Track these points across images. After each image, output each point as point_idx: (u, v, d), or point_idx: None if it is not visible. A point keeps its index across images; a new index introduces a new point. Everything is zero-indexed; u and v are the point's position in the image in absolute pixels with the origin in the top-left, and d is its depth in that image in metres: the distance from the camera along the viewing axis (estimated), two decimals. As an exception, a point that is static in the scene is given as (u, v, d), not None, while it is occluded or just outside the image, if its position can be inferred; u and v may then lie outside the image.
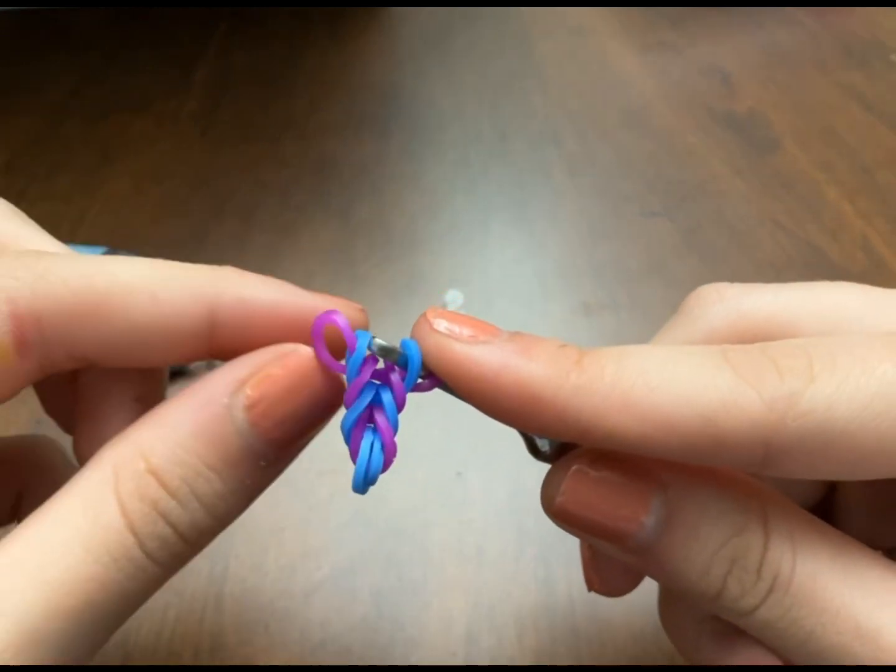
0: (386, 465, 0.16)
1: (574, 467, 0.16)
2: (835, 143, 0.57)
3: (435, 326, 0.15)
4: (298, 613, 0.31)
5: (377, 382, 0.16)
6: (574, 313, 0.44)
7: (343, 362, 0.16)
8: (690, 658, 0.19)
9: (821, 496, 0.21)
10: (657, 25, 0.75)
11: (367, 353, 0.16)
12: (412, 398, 0.16)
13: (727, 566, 0.15)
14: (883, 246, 0.47)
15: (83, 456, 0.18)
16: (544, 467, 0.17)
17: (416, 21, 0.78)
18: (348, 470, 0.39)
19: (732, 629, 0.17)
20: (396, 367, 0.16)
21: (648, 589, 0.21)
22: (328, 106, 0.65)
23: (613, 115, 0.62)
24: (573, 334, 0.43)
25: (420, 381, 0.16)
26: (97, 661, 0.15)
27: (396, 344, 0.16)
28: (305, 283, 0.18)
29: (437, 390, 0.16)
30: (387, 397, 0.16)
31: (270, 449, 0.16)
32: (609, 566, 0.20)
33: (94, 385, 0.19)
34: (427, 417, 0.37)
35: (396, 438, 0.16)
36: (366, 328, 0.18)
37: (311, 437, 0.17)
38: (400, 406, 0.16)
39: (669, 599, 0.20)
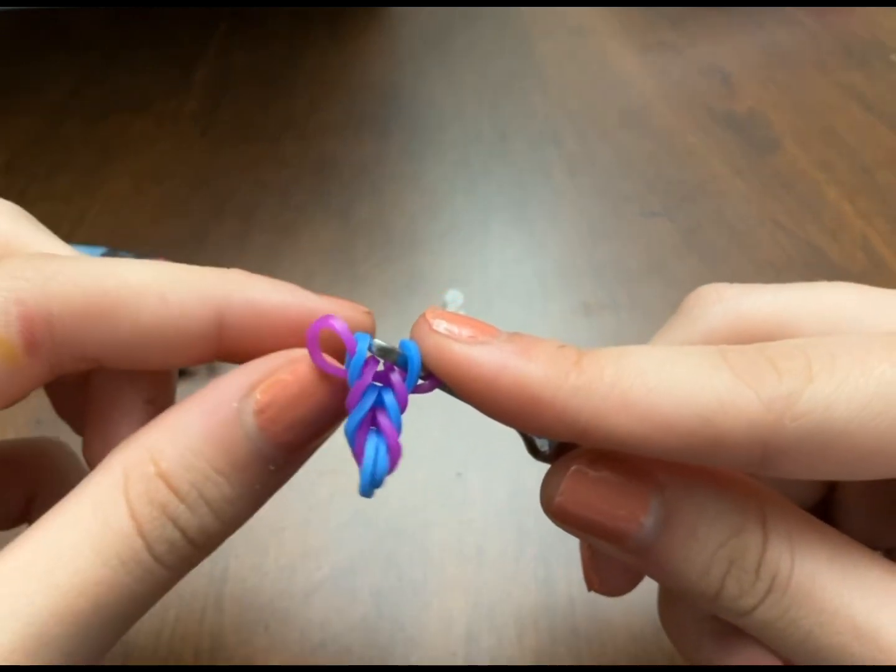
0: (392, 466, 0.16)
1: (573, 467, 0.16)
2: (835, 143, 0.57)
3: (434, 327, 0.15)
4: (298, 613, 0.31)
5: (378, 385, 0.16)
6: (574, 313, 0.44)
7: (344, 366, 0.16)
8: (690, 658, 0.19)
9: (820, 496, 0.21)
10: (657, 25, 0.75)
11: (368, 354, 0.16)
12: (412, 399, 0.16)
13: (726, 566, 0.15)
14: (883, 246, 0.47)
15: (93, 458, 0.18)
16: (544, 467, 0.17)
17: (416, 21, 0.78)
18: (348, 470, 0.39)
19: (732, 629, 0.17)
20: (396, 368, 0.16)
21: (648, 589, 0.21)
22: (328, 106, 0.65)
23: (613, 115, 0.62)
24: (573, 334, 0.43)
25: (420, 382, 0.16)
26: (97, 660, 0.15)
27: (395, 345, 0.16)
28: (305, 283, 0.18)
29: (436, 391, 0.16)
30: (389, 398, 0.16)
31: (280, 453, 0.16)
32: (609, 566, 0.20)
33: (105, 387, 0.19)
34: (427, 418, 0.37)
35: (400, 439, 0.16)
36: (372, 331, 0.18)
37: (321, 442, 0.17)
38: (402, 407, 0.16)
39: (669, 599, 0.20)
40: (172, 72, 0.70)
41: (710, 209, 0.51)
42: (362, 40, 0.75)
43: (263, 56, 0.73)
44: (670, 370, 0.14)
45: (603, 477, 0.16)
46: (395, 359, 0.16)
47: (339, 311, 0.17)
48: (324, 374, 0.16)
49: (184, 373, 0.38)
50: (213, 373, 0.39)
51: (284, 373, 0.16)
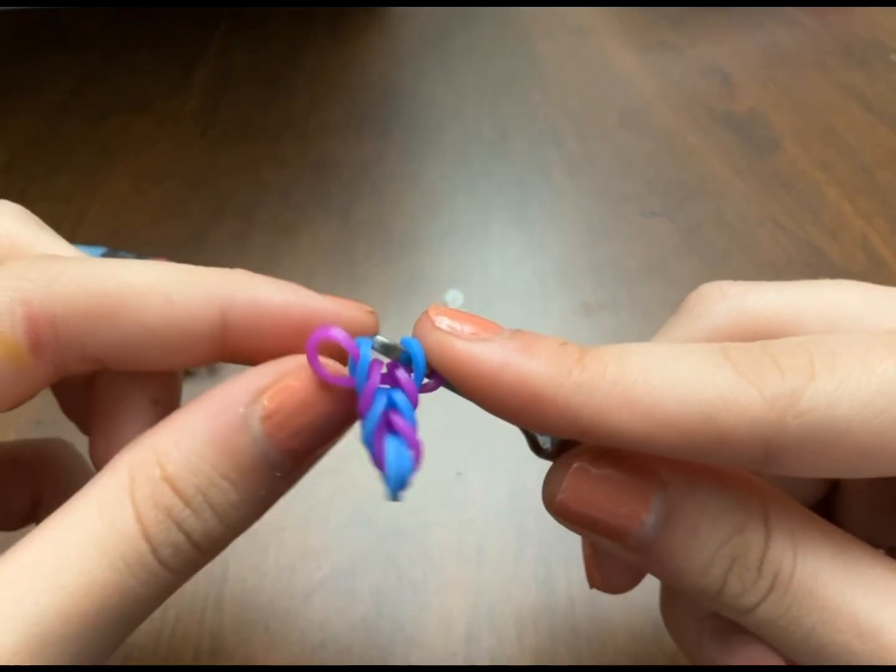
0: (416, 465, 0.15)
1: (575, 464, 0.16)
2: (835, 143, 0.57)
3: (437, 324, 0.15)
4: (298, 613, 0.31)
5: (385, 387, 0.16)
6: (574, 313, 0.44)
7: (347, 371, 0.16)
8: (692, 655, 0.19)
9: (822, 494, 0.21)
10: (657, 25, 0.75)
11: (371, 357, 0.16)
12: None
13: (728, 564, 0.15)
14: (883, 246, 0.48)
15: (99, 458, 0.18)
16: (544, 468, 0.17)
17: (416, 21, 0.78)
18: (348, 470, 0.39)
19: (734, 626, 0.17)
20: (401, 366, 0.16)
21: (648, 589, 0.21)
22: (328, 106, 0.65)
23: (613, 115, 0.62)
24: (573, 334, 0.43)
25: (425, 381, 0.16)
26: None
27: (397, 341, 0.16)
28: (306, 283, 0.18)
29: (437, 391, 0.16)
30: (400, 398, 0.15)
31: (286, 460, 0.16)
32: (611, 563, 0.20)
33: (110, 388, 0.19)
34: (427, 417, 0.36)
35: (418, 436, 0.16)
36: (376, 330, 0.18)
37: (328, 449, 0.17)
38: (414, 403, 0.16)
39: (671, 597, 0.20)
40: (172, 72, 0.70)
41: (710, 209, 0.51)
42: (362, 40, 0.75)
43: (263, 56, 0.73)
44: (673, 367, 0.14)
45: (605, 474, 0.16)
46: (399, 356, 0.16)
47: (342, 311, 0.17)
48: (325, 384, 0.16)
49: (185, 373, 0.38)
50: (213, 373, 0.39)
51: (292, 379, 0.16)
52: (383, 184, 0.55)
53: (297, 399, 0.16)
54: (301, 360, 0.16)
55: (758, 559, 0.15)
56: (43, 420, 0.38)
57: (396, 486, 0.15)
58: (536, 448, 0.18)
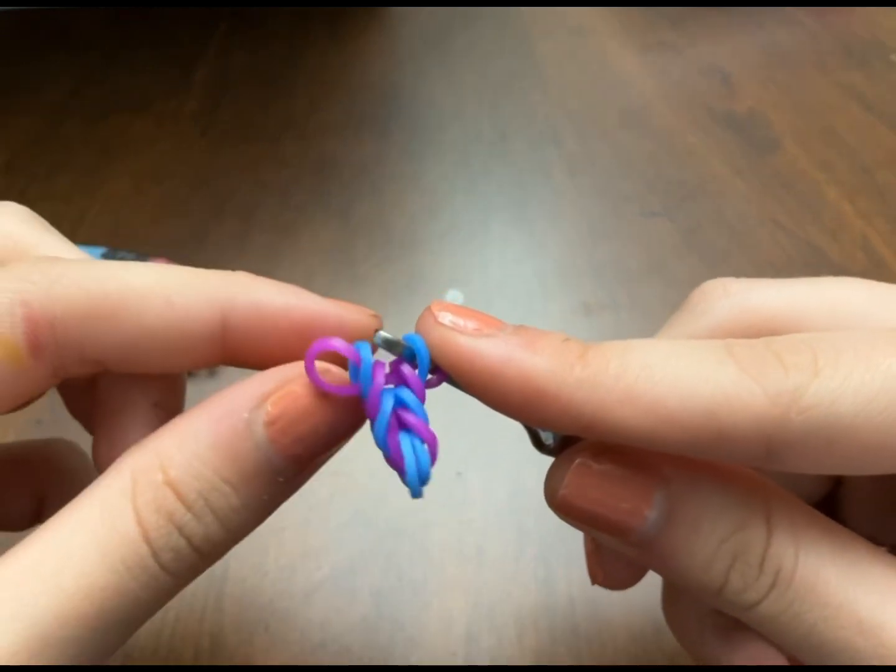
0: (433, 458, 0.15)
1: (577, 461, 0.16)
2: (835, 143, 0.57)
3: (440, 319, 0.15)
4: (298, 613, 0.31)
5: (390, 387, 0.16)
6: (574, 313, 0.44)
7: (348, 375, 0.16)
8: (694, 653, 0.19)
9: (825, 491, 0.21)
10: (657, 25, 0.75)
11: (373, 359, 0.16)
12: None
13: (730, 561, 0.15)
14: (883, 246, 0.48)
15: (101, 460, 0.18)
16: (544, 468, 0.17)
17: (416, 21, 0.78)
18: (348, 470, 0.39)
19: (735, 623, 0.17)
20: (404, 362, 0.16)
21: (649, 589, 0.21)
22: (328, 106, 0.65)
23: (613, 115, 0.62)
24: (573, 334, 0.42)
25: (429, 377, 0.16)
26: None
27: (399, 338, 0.16)
28: (305, 283, 0.18)
29: (439, 386, 0.16)
30: (407, 395, 0.15)
31: (289, 465, 0.16)
32: (612, 559, 0.20)
33: (112, 390, 0.19)
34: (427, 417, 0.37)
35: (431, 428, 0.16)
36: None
37: (331, 455, 0.17)
38: (421, 398, 0.16)
39: (673, 594, 0.20)
40: (172, 72, 0.70)
41: (710, 209, 0.51)
42: (362, 40, 0.75)
43: (263, 56, 0.73)
44: (675, 364, 0.14)
45: (607, 470, 0.16)
46: (402, 352, 0.16)
47: (344, 315, 0.17)
48: (325, 394, 0.16)
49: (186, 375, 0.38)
50: (214, 376, 0.39)
51: (296, 385, 0.16)
52: (383, 184, 0.55)
53: (300, 405, 0.15)
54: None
55: (760, 556, 0.15)
56: (43, 420, 0.38)
57: (418, 481, 0.15)
58: (539, 444, 0.18)
